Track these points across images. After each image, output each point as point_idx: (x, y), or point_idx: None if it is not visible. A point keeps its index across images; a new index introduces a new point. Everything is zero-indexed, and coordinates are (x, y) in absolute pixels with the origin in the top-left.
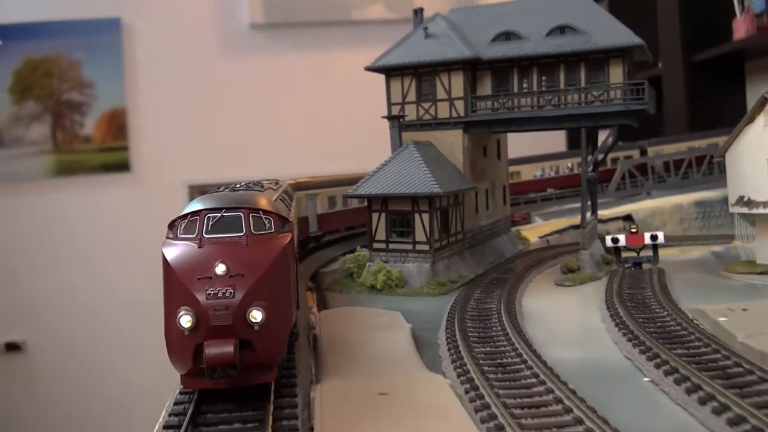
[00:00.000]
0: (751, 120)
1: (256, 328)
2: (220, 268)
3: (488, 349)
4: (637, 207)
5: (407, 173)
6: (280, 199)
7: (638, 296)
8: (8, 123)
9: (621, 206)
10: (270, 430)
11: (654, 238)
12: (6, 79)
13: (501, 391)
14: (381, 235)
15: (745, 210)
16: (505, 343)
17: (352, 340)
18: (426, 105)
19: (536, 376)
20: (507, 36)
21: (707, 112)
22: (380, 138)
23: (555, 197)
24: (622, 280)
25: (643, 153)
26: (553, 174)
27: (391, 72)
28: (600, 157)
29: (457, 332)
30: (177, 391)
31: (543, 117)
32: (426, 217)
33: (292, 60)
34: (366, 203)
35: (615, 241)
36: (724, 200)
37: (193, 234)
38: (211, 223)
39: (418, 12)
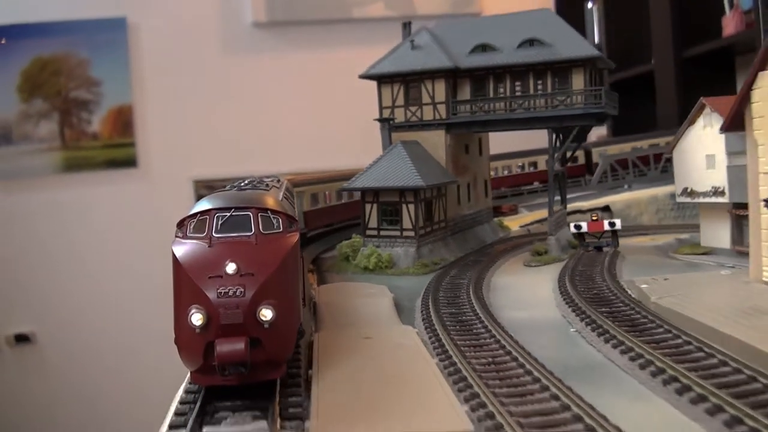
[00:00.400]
0: (692, 122)
1: (265, 326)
2: (231, 267)
3: (453, 310)
4: (616, 198)
5: (396, 169)
6: (285, 197)
7: (587, 272)
8: (17, 120)
9: (601, 198)
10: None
11: (612, 225)
12: (15, 78)
13: (455, 337)
14: (373, 223)
15: (688, 200)
16: (467, 306)
17: (345, 305)
18: (413, 108)
19: (485, 327)
20: (483, 48)
21: None
22: (377, 135)
23: (539, 190)
24: (580, 260)
25: (588, 154)
26: (506, 173)
27: (382, 79)
28: (569, 154)
29: (429, 299)
30: (186, 381)
31: (515, 119)
32: (412, 207)
33: (293, 58)
34: (360, 196)
35: (578, 227)
36: None
37: (202, 233)
38: (220, 222)
39: (407, 25)
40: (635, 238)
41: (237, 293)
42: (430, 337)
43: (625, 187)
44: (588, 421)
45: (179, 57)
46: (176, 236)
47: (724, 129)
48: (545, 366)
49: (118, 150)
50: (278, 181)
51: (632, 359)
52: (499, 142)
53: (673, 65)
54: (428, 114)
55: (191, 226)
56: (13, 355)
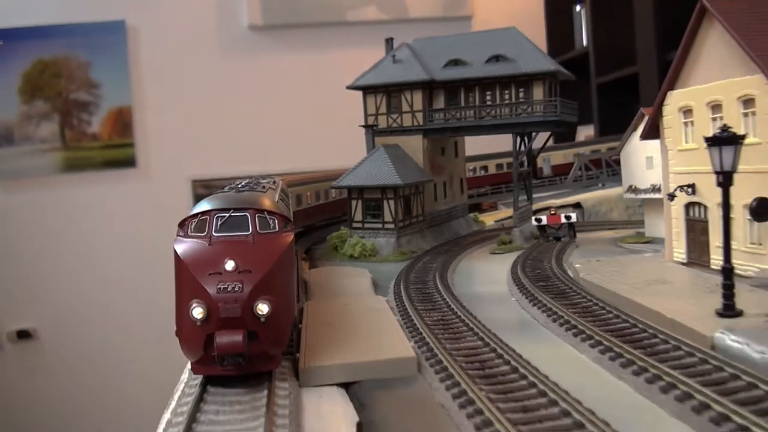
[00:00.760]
0: (635, 128)
1: (262, 320)
2: (230, 265)
3: (419, 286)
4: (588, 196)
5: (378, 169)
6: (281, 198)
7: (539, 258)
8: (19, 121)
9: (574, 195)
10: None
11: (568, 218)
12: (16, 80)
13: (417, 304)
14: (358, 216)
15: (633, 196)
16: (431, 283)
17: (331, 284)
18: (394, 116)
19: (442, 298)
20: (456, 62)
21: None
22: (363, 137)
23: (505, 189)
24: (537, 248)
25: (532, 159)
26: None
27: (367, 90)
28: (531, 156)
29: (402, 278)
30: (186, 375)
31: (483, 125)
32: (392, 202)
33: (288, 60)
34: (347, 193)
35: (539, 220)
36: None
37: (203, 232)
38: (220, 222)
39: (389, 41)
40: (601, 232)
41: (235, 289)
42: (397, 304)
43: (600, 185)
44: (500, 352)
45: (177, 59)
46: (178, 235)
47: (643, 137)
48: (481, 322)
49: (117, 150)
50: (274, 182)
51: (550, 317)
52: (482, 144)
53: (656, 68)
54: (407, 121)
55: (192, 226)
56: (15, 350)
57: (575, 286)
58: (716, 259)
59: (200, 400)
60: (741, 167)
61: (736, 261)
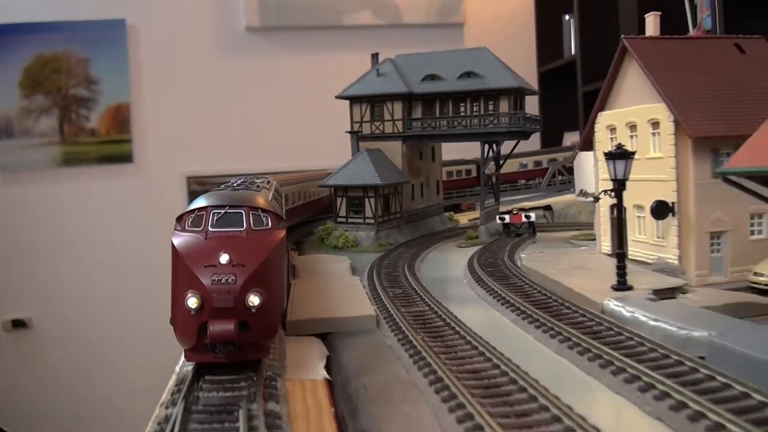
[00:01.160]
0: None
1: (253, 310)
2: (224, 258)
3: (389, 270)
4: (559, 199)
5: (361, 170)
6: (274, 198)
7: (496, 250)
8: (18, 115)
9: (545, 199)
10: None
11: (528, 217)
12: (17, 75)
13: (384, 283)
14: (343, 212)
15: (582, 198)
16: (400, 269)
17: (316, 267)
18: (377, 123)
19: (406, 278)
20: (432, 77)
21: None
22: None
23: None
24: (497, 242)
25: (478, 168)
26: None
27: (353, 100)
28: (500, 162)
29: (375, 264)
30: (178, 366)
31: (455, 134)
32: (372, 200)
33: (284, 61)
34: (333, 191)
35: (502, 219)
36: None
37: (199, 227)
38: (215, 218)
39: (375, 56)
40: (565, 232)
41: (229, 281)
42: (368, 283)
43: (571, 190)
44: (443, 316)
45: (175, 59)
46: (175, 229)
47: (580, 149)
48: (432, 295)
49: (114, 146)
50: (268, 182)
51: (488, 293)
52: (459, 149)
53: None
54: (389, 128)
55: (189, 221)
56: (10, 339)
57: (516, 272)
58: (633, 250)
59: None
60: (649, 176)
61: (646, 251)
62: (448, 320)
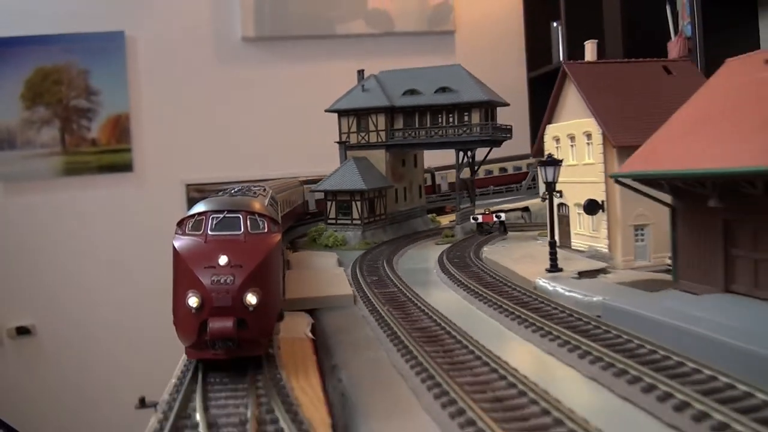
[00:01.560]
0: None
1: (250, 309)
2: (223, 260)
3: (371, 263)
4: (535, 201)
5: (348, 176)
6: (270, 203)
7: (467, 246)
8: (20, 127)
9: (524, 201)
10: None
11: (498, 217)
12: (19, 87)
13: (365, 272)
14: (332, 214)
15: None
16: (380, 262)
17: (307, 261)
18: (362, 134)
19: (384, 269)
20: (412, 92)
21: None
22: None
23: (479, 194)
24: (469, 239)
25: (432, 176)
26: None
27: (341, 113)
28: (476, 168)
29: (359, 258)
30: (177, 370)
31: (432, 143)
32: (359, 203)
33: (279, 71)
34: (324, 195)
35: (476, 219)
36: None
37: (199, 231)
38: (214, 222)
39: (361, 72)
40: (536, 230)
41: (228, 281)
42: (351, 272)
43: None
44: (406, 293)
45: (173, 69)
46: (176, 233)
47: (533, 155)
48: (403, 280)
49: (115, 155)
50: (264, 189)
51: (450, 279)
52: (439, 157)
53: None
54: (373, 138)
55: (189, 225)
56: (14, 346)
57: (477, 262)
58: (575, 242)
59: None
60: (585, 179)
61: (584, 242)
62: (411, 297)
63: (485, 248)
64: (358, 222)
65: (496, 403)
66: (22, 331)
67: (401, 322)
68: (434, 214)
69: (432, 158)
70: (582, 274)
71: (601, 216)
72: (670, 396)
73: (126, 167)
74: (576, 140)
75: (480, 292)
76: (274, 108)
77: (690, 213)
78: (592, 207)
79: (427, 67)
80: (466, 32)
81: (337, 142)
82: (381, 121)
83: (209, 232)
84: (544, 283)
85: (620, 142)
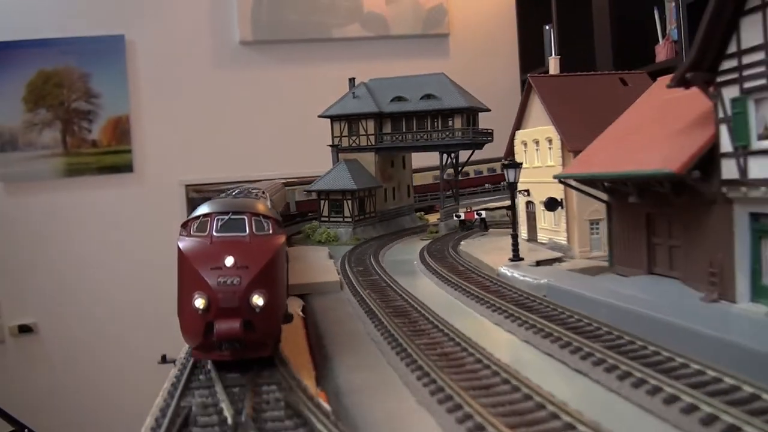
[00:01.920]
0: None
1: (256, 310)
2: (229, 261)
3: (359, 256)
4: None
5: (340, 177)
6: (271, 205)
7: (447, 241)
8: (22, 129)
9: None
10: None
11: (479, 215)
12: (21, 89)
13: (353, 264)
14: (325, 212)
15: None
16: (368, 255)
17: (300, 255)
18: (353, 138)
19: (370, 261)
20: (399, 98)
21: None
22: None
23: (467, 193)
24: (450, 235)
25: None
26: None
27: (333, 119)
28: (460, 169)
29: (349, 252)
30: (174, 370)
31: (418, 146)
32: (350, 202)
33: (277, 73)
34: (317, 195)
35: (458, 216)
36: None
37: (204, 232)
38: (220, 223)
39: (352, 80)
40: None
41: (234, 282)
42: (340, 264)
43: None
44: (387, 281)
45: (173, 72)
46: (181, 234)
47: (504, 157)
48: (385, 270)
49: (115, 156)
50: (263, 192)
51: (427, 269)
52: (425, 158)
53: None
54: (363, 141)
55: (194, 227)
56: (17, 344)
57: (453, 254)
58: (540, 236)
59: None
60: (548, 179)
61: (548, 236)
62: (390, 284)
63: (463, 242)
64: (350, 219)
65: (443, 357)
66: (25, 329)
67: (378, 302)
68: (422, 213)
69: (419, 160)
70: (540, 263)
71: (560, 212)
72: (590, 355)
73: (126, 168)
74: (540, 145)
75: (449, 279)
76: (270, 110)
77: (621, 208)
78: (551, 204)
79: (414, 75)
80: (460, 35)
81: (330, 146)
82: (370, 125)
83: (214, 234)
84: (505, 270)
85: (575, 147)
